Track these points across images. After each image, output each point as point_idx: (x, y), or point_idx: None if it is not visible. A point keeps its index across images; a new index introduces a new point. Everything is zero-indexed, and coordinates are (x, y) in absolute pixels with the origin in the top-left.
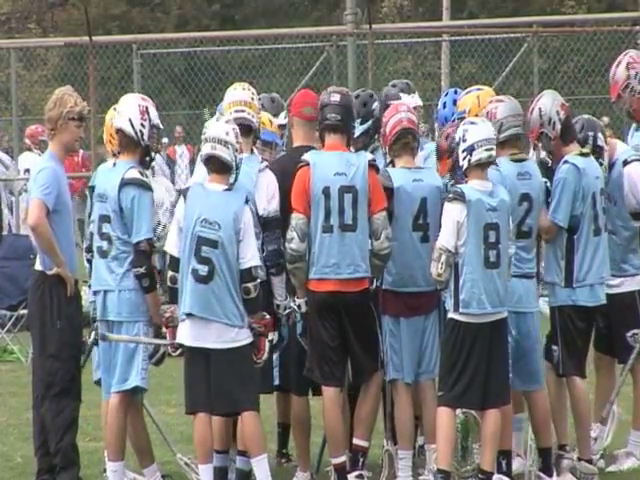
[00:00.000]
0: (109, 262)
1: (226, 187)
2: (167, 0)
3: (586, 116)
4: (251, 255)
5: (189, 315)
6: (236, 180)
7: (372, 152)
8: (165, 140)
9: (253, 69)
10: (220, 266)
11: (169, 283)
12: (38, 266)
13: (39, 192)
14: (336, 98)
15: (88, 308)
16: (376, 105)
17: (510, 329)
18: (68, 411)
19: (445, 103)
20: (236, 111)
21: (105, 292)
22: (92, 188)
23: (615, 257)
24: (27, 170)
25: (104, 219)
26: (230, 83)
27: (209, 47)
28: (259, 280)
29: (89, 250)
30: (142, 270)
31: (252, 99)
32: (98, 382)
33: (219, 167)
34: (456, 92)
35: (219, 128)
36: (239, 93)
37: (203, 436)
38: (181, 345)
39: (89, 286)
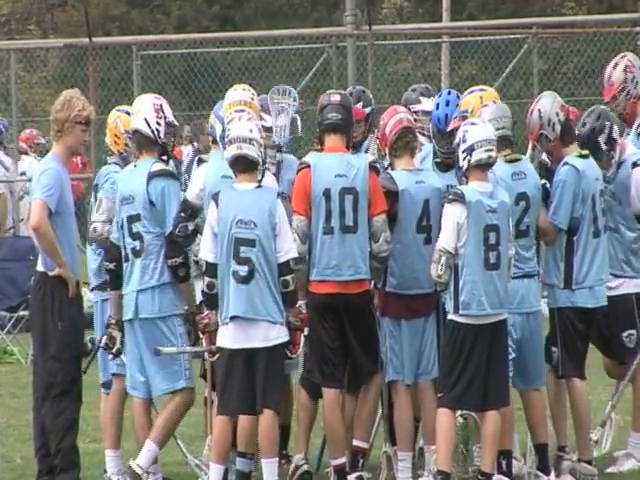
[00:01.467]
0: (143, 260)
1: (256, 185)
2: (167, 1)
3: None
4: (288, 247)
5: (233, 318)
6: (263, 176)
7: (365, 151)
8: None
9: (253, 70)
10: (260, 264)
11: (206, 289)
12: (40, 267)
13: (42, 193)
14: (336, 98)
15: (88, 309)
16: (371, 97)
17: (512, 331)
18: (68, 412)
19: (438, 104)
20: (236, 111)
21: (139, 291)
22: (96, 186)
23: (617, 255)
24: (23, 173)
25: (133, 219)
26: (230, 84)
27: (209, 48)
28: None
29: (112, 260)
30: (179, 260)
31: (252, 99)
32: (104, 384)
33: (247, 166)
34: (449, 93)
35: (243, 127)
36: (239, 94)
37: (224, 437)
38: (219, 349)
39: (90, 289)
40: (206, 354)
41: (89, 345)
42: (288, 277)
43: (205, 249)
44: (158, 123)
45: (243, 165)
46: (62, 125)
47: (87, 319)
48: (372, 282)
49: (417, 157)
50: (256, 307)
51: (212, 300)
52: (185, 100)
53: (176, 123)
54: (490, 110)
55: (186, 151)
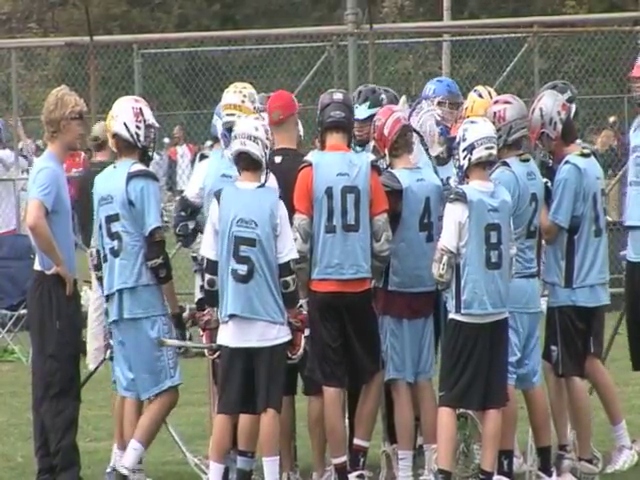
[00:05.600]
0: (122, 260)
1: (258, 184)
2: (168, 0)
3: None
4: (289, 249)
5: (232, 316)
6: (267, 178)
7: (372, 151)
8: (166, 140)
9: (254, 69)
10: (259, 264)
11: (207, 286)
12: (37, 266)
13: (38, 192)
14: (339, 96)
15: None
16: (384, 97)
17: (520, 330)
18: (68, 411)
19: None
20: (227, 115)
21: (120, 291)
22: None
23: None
24: (26, 171)
25: (112, 219)
26: (231, 83)
27: (210, 47)
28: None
29: (98, 268)
30: (159, 261)
31: (242, 102)
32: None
33: (249, 163)
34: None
35: (248, 124)
36: (230, 96)
37: (223, 435)
38: (220, 347)
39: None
40: (206, 352)
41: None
42: (289, 278)
43: (206, 246)
44: (137, 127)
45: (245, 162)
46: (58, 124)
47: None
48: (371, 281)
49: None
50: (254, 307)
51: (212, 297)
52: (186, 99)
53: (157, 125)
54: (515, 109)
55: (180, 151)
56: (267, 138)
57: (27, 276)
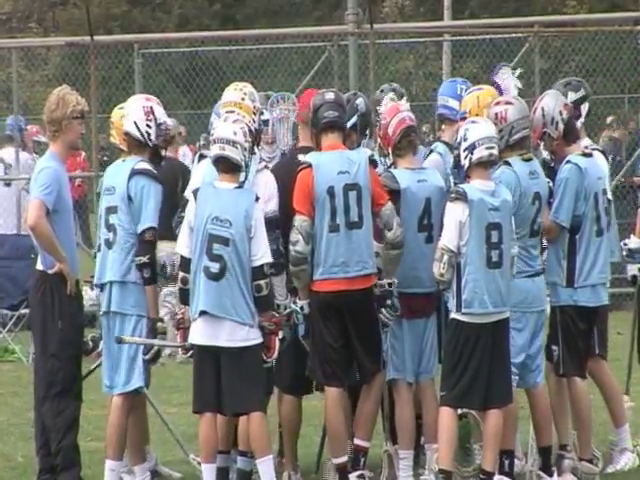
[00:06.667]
0: (114, 252)
1: (236, 185)
2: (168, 0)
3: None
4: (263, 252)
5: (202, 314)
6: (246, 179)
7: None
8: None
9: (254, 69)
10: (232, 263)
11: (180, 284)
12: (39, 266)
13: (39, 192)
14: (331, 96)
15: (89, 308)
16: (360, 101)
17: (525, 330)
18: (69, 411)
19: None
20: (226, 112)
21: (111, 283)
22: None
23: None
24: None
25: (111, 210)
26: (231, 83)
27: (210, 47)
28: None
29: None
30: (145, 259)
31: (242, 99)
32: None
33: (228, 167)
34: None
35: (227, 129)
36: (230, 94)
37: (208, 436)
38: (192, 346)
39: (92, 287)
40: (180, 351)
41: (90, 344)
42: (262, 282)
43: (181, 243)
44: (148, 126)
45: (224, 166)
46: (60, 124)
47: (88, 317)
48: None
49: (435, 160)
50: (224, 305)
51: (186, 295)
52: (186, 99)
53: (169, 123)
54: (517, 109)
55: (181, 151)
56: (246, 140)
57: (28, 276)
